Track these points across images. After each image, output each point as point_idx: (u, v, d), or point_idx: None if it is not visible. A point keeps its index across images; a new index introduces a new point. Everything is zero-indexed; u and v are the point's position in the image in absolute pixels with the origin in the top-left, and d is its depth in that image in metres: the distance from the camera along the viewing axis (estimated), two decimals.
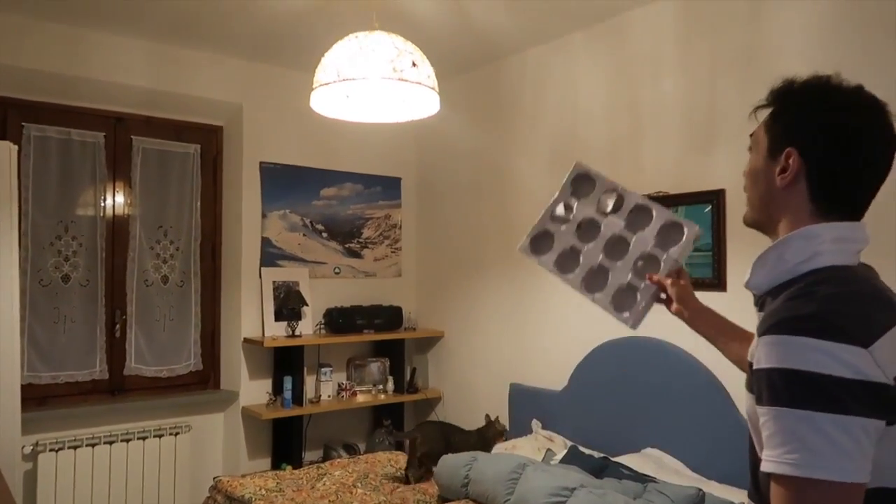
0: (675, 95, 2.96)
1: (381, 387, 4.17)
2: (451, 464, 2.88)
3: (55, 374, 3.45)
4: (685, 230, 1.53)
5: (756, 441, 0.97)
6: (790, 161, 1.02)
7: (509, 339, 3.79)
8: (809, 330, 0.86)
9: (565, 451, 3.02)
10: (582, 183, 1.71)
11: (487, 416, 3.40)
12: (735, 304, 2.73)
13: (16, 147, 2.94)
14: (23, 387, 3.00)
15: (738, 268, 2.76)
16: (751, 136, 1.12)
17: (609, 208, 1.66)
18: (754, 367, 0.91)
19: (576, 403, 3.26)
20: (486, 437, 3.29)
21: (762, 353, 0.90)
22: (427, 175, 4.48)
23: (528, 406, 3.45)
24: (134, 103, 3.68)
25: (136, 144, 3.74)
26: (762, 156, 1.08)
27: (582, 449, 2.97)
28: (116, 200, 3.69)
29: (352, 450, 3.99)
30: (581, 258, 1.68)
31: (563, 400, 3.33)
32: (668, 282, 1.47)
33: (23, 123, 3.40)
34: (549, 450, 3.09)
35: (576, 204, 1.70)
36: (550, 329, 3.54)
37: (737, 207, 2.76)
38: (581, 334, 3.31)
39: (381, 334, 4.13)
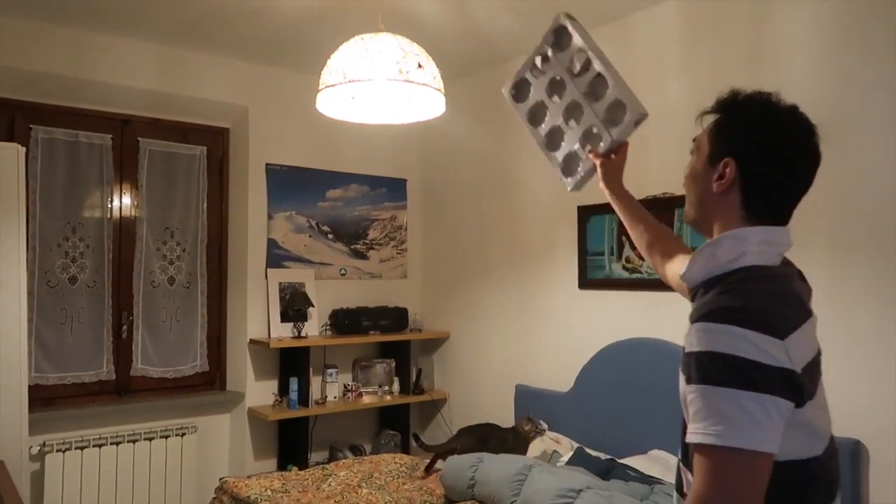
0: (679, 97, 2.95)
1: (386, 388, 4.17)
2: (457, 465, 2.88)
3: (62, 374, 3.46)
4: (627, 114, 1.54)
5: (687, 417, 1.07)
6: (727, 170, 1.13)
7: (515, 340, 3.79)
8: (736, 320, 0.98)
9: (571, 452, 3.02)
10: (562, 36, 1.71)
11: (526, 416, 3.35)
12: None
13: (23, 149, 2.95)
14: (30, 387, 3.01)
15: None
16: (693, 140, 1.23)
17: (577, 70, 1.67)
18: (686, 350, 1.02)
19: (582, 405, 3.25)
20: (520, 437, 3.27)
21: (694, 338, 1.01)
22: (432, 177, 4.48)
23: (533, 407, 3.45)
24: (141, 105, 3.69)
25: (143, 146, 3.75)
26: (702, 161, 1.19)
27: (588, 450, 2.97)
28: (123, 202, 3.70)
29: (358, 451, 3.99)
30: (547, 114, 1.73)
31: (569, 401, 3.32)
32: (599, 161, 1.58)
33: (30, 126, 3.42)
34: (555, 451, 3.09)
35: (552, 57, 1.72)
36: (556, 330, 3.54)
37: None
38: (587, 335, 3.31)
39: (386, 335, 4.13)
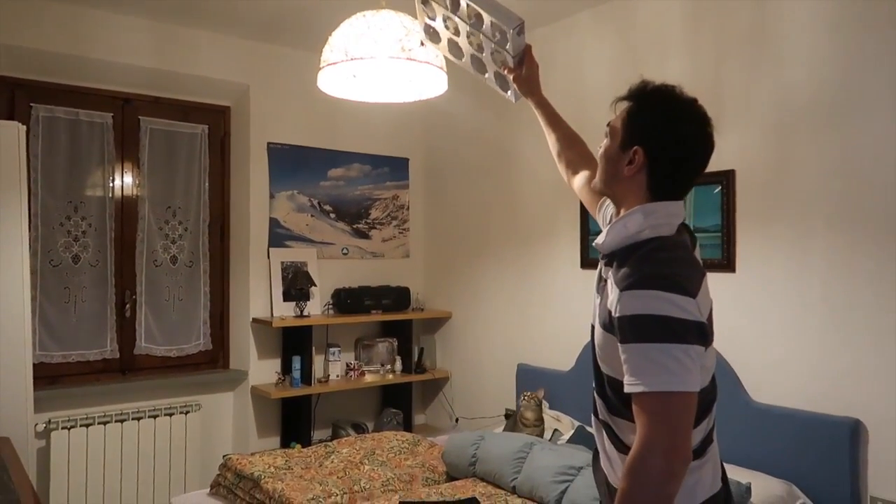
0: (682, 76, 2.92)
1: (388, 367, 4.19)
2: (459, 443, 2.90)
3: (66, 353, 3.48)
4: (505, 30, 1.64)
5: (612, 371, 1.29)
6: (636, 157, 1.30)
7: (517, 319, 3.80)
8: (659, 285, 1.17)
9: (572, 431, 3.04)
10: None
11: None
12: (745, 285, 2.74)
13: (24, 127, 2.95)
14: (35, 366, 3.03)
15: (748, 249, 2.74)
16: (608, 125, 1.38)
17: (448, 5, 1.78)
18: (617, 314, 1.20)
19: (583, 384, 3.25)
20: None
21: (626, 304, 1.19)
22: (435, 156, 4.47)
23: (535, 386, 3.46)
24: (141, 84, 3.67)
25: (144, 125, 3.74)
26: (616, 145, 1.34)
27: (589, 429, 2.98)
28: (125, 181, 3.70)
29: (360, 429, 4.02)
30: (461, 48, 1.87)
31: (571, 380, 3.34)
32: (512, 75, 1.74)
33: (31, 104, 3.40)
34: (556, 430, 3.11)
35: (434, 5, 1.84)
36: (558, 309, 3.55)
37: (746, 188, 2.75)
38: (588, 315, 3.30)
39: (388, 315, 4.14)
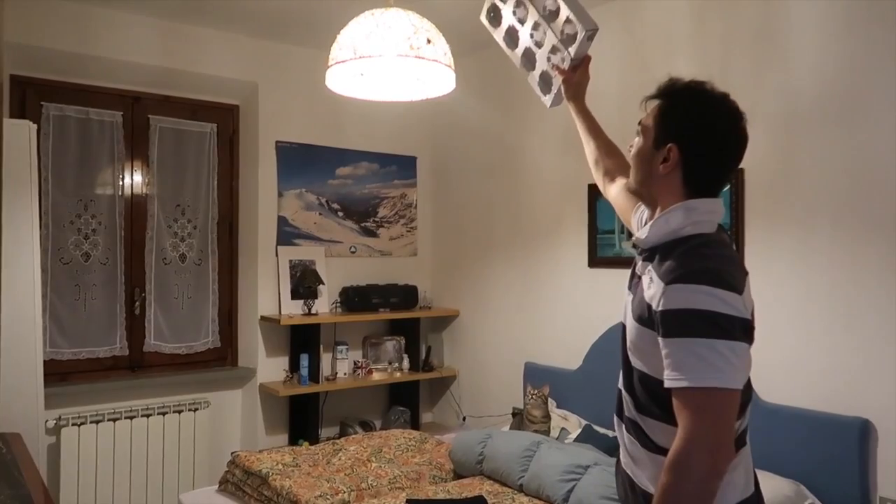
0: (689, 74, 2.90)
1: (396, 365, 4.20)
2: (466, 441, 2.90)
3: (77, 350, 3.51)
4: (578, 30, 1.63)
5: (645, 366, 1.28)
6: (671, 154, 1.29)
7: (524, 318, 3.80)
8: (706, 280, 1.16)
9: (580, 429, 3.04)
10: None
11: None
12: (753, 284, 2.71)
13: (35, 126, 2.97)
14: (45, 362, 3.05)
15: (757, 246, 2.73)
16: (639, 123, 1.37)
17: None
18: (661, 308, 1.18)
19: (590, 383, 3.26)
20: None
21: (671, 298, 1.17)
22: (442, 154, 4.47)
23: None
24: (151, 82, 3.69)
25: (154, 123, 3.75)
26: (648, 144, 1.34)
27: (596, 428, 2.98)
28: (134, 179, 3.72)
29: (368, 427, 4.03)
30: (519, 37, 1.84)
31: (578, 379, 3.33)
32: (563, 78, 1.72)
33: (42, 103, 3.43)
34: (563, 428, 3.11)
35: None
36: (565, 308, 3.54)
37: (756, 187, 2.74)
38: (596, 314, 3.31)
39: (396, 313, 4.15)
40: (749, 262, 2.73)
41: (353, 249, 4.25)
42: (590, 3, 3.27)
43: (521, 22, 1.82)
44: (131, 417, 3.47)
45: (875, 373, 2.38)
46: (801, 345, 2.58)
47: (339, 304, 4.07)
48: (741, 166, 2.70)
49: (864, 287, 2.42)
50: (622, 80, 3.19)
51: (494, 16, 1.90)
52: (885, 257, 2.36)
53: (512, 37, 1.87)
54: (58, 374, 3.42)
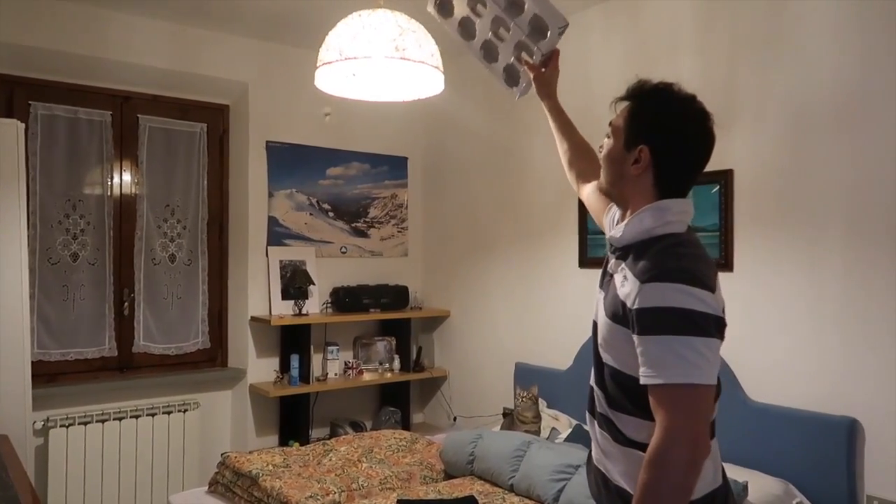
0: (692, 75, 2.89)
1: (387, 365, 4.20)
2: (457, 441, 2.90)
3: (65, 351, 3.49)
4: (549, 26, 1.63)
5: (616, 362, 1.30)
6: (642, 155, 1.31)
7: (515, 318, 3.80)
8: (682, 279, 1.18)
9: (570, 429, 3.05)
10: None
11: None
12: (743, 284, 2.74)
13: (23, 125, 2.95)
14: (33, 363, 3.03)
15: (746, 248, 2.75)
16: (610, 124, 1.39)
17: None
18: (637, 306, 1.20)
19: (581, 382, 3.23)
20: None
21: (647, 296, 1.19)
22: (434, 155, 4.47)
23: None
24: (140, 82, 3.67)
25: (143, 123, 3.73)
26: (620, 145, 1.35)
27: (586, 428, 2.98)
28: (123, 179, 3.70)
29: (358, 427, 4.02)
30: (476, 29, 1.80)
31: (569, 379, 3.34)
32: (532, 74, 1.74)
33: (30, 102, 3.40)
34: (553, 428, 3.11)
35: None
36: (556, 308, 3.55)
37: (745, 188, 2.75)
38: (586, 313, 3.29)
39: (387, 313, 4.15)
40: (739, 264, 2.75)
41: (343, 250, 4.24)
42: (592, 0, 3.28)
43: (477, 13, 1.79)
44: (120, 419, 3.45)
45: (863, 373, 2.40)
46: (790, 345, 2.59)
47: (329, 305, 4.06)
48: (730, 167, 2.75)
49: (852, 288, 2.43)
50: (624, 79, 3.16)
51: (443, 5, 1.87)
52: (874, 260, 2.38)
53: (467, 28, 1.84)
54: (46, 375, 3.39)
